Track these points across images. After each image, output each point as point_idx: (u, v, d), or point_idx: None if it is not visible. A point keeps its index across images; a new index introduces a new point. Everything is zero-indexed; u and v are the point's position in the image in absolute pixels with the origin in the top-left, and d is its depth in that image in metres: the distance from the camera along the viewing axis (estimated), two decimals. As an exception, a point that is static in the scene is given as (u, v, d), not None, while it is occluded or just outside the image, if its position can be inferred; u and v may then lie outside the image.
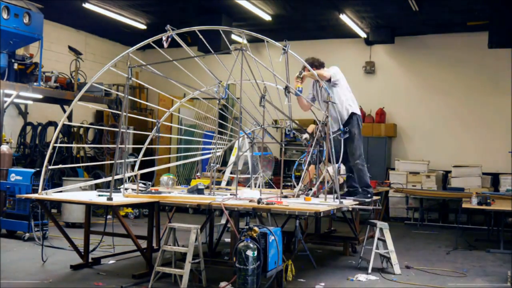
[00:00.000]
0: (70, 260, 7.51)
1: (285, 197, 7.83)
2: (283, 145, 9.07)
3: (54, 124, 13.11)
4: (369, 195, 8.10)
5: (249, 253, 5.74)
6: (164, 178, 8.90)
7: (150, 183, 8.66)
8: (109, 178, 7.44)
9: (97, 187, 11.03)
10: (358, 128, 8.07)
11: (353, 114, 8.08)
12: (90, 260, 7.57)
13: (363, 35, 14.61)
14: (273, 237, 6.09)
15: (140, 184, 7.81)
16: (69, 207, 10.70)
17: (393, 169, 14.23)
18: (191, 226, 6.44)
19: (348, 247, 9.12)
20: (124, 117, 7.13)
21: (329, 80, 8.04)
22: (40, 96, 11.75)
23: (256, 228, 5.95)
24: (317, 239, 9.71)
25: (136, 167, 8.88)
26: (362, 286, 7.03)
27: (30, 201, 8.82)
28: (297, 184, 8.62)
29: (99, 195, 7.15)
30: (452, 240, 10.79)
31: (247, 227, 6.01)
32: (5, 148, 10.12)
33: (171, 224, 6.69)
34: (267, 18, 13.31)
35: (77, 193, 7.89)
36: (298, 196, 7.95)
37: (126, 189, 7.66)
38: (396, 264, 7.70)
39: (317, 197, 7.73)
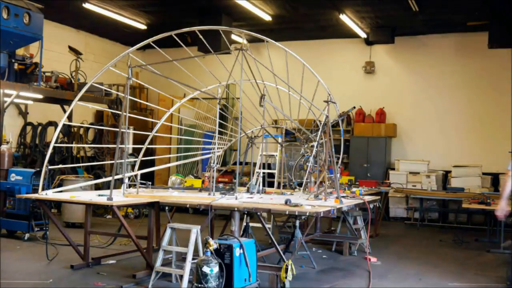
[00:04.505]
0: (70, 260, 7.51)
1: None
2: (283, 145, 9.07)
3: (54, 124, 13.10)
4: None
5: (206, 269, 4.97)
6: (173, 178, 8.91)
7: (150, 183, 8.67)
8: (109, 178, 7.44)
9: (97, 187, 11.03)
10: None
11: None
12: (90, 260, 7.58)
13: (363, 35, 14.60)
14: (240, 251, 5.31)
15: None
16: (69, 207, 10.70)
17: (393, 169, 14.22)
18: (191, 226, 6.44)
19: (348, 247, 9.12)
20: (124, 117, 7.14)
21: None
22: (40, 96, 11.74)
23: (210, 241, 5.08)
24: (317, 239, 9.69)
25: (136, 167, 8.89)
26: (362, 286, 7.03)
27: (30, 201, 8.82)
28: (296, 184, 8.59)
29: (99, 195, 7.15)
30: (452, 240, 10.79)
31: (205, 238, 5.22)
32: (5, 148, 10.12)
33: (171, 224, 6.69)
34: (267, 18, 13.31)
35: (77, 193, 7.89)
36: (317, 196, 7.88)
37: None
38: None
39: (317, 197, 7.73)
